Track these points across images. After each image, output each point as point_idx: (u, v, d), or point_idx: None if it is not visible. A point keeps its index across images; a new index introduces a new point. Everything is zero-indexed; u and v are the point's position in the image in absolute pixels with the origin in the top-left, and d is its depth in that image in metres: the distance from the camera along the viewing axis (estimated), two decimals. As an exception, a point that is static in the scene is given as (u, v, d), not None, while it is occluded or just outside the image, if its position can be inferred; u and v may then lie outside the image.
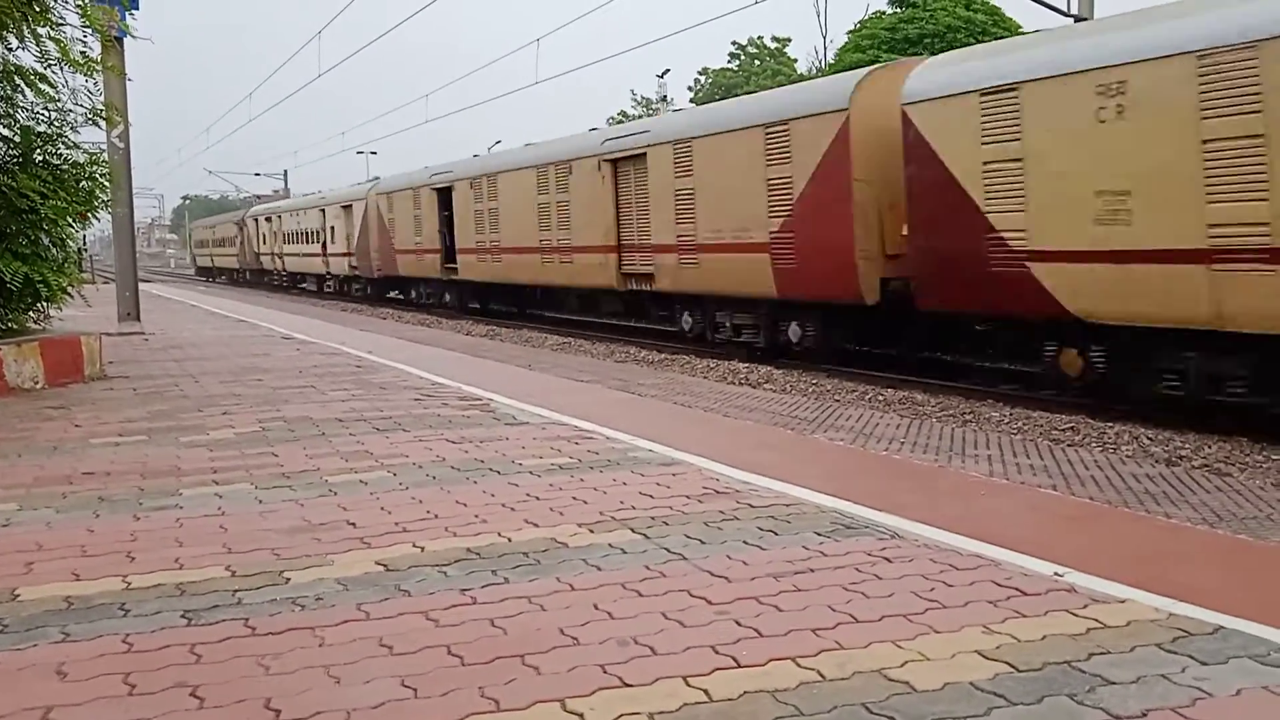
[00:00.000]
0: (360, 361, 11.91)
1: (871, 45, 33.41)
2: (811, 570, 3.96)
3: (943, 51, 16.94)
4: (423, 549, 4.34)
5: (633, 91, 70.30)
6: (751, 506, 4.94)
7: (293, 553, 4.32)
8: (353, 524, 4.75)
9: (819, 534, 4.45)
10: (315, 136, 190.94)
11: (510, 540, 4.44)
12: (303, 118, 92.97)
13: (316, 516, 4.90)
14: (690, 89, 57.14)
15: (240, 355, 12.85)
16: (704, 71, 57.17)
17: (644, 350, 18.02)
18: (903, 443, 8.47)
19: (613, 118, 58.41)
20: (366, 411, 8.05)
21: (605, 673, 3.03)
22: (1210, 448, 9.00)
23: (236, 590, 3.86)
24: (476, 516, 4.84)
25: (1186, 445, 9.09)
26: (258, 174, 70.54)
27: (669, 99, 47.20)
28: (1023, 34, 21.07)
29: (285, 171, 67.65)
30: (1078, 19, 15.98)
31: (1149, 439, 9.38)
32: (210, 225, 65.93)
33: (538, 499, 5.15)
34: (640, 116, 52.83)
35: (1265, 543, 5.15)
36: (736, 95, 34.52)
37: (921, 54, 25.21)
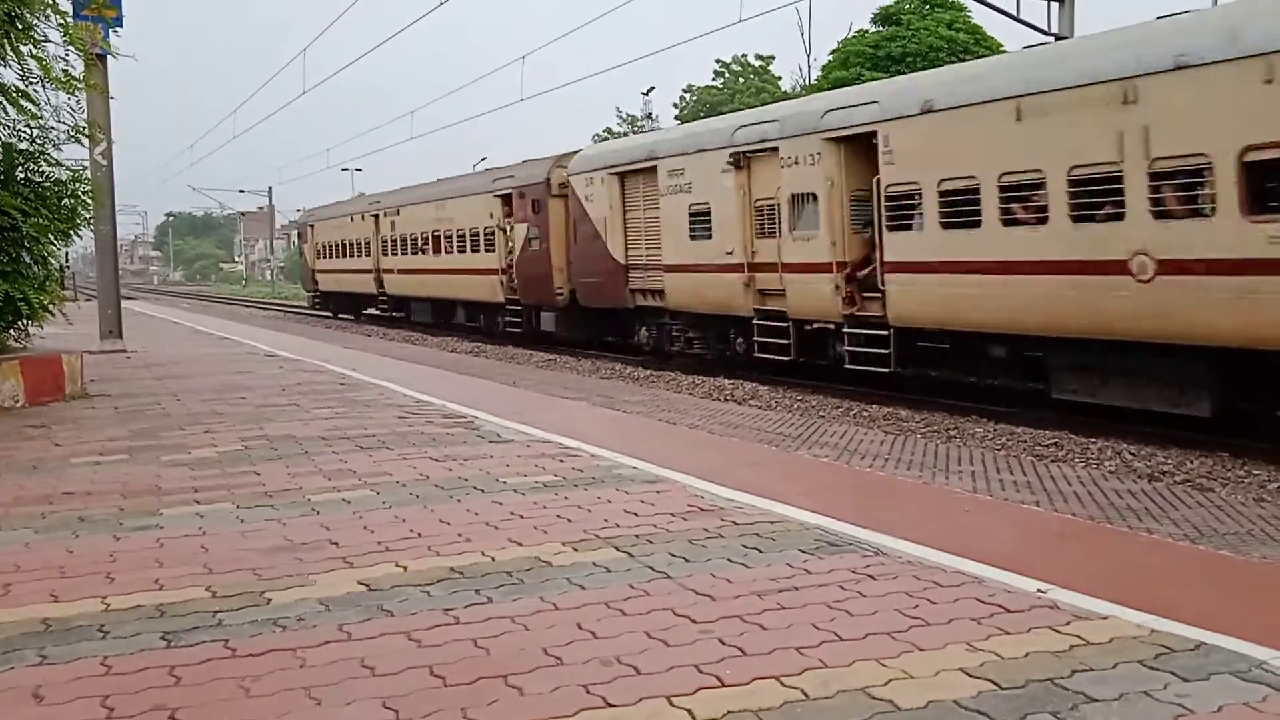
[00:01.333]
0: (344, 379, 11.87)
1: (856, 63, 33.64)
2: (795, 588, 3.96)
3: (925, 69, 16.71)
4: (405, 568, 4.31)
5: (618, 109, 70.57)
6: (736, 524, 4.93)
7: (274, 573, 4.29)
8: (335, 543, 4.73)
9: (803, 552, 4.45)
10: (299, 153, 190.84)
11: (494, 559, 4.42)
12: (287, 135, 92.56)
13: (299, 536, 4.87)
14: (676, 105, 57.40)
15: (223, 373, 12.79)
16: (689, 89, 57.49)
17: (629, 367, 18.03)
18: (887, 459, 8.50)
19: (598, 134, 58.60)
20: (350, 429, 8.01)
21: (589, 693, 3.02)
22: (1192, 463, 9.06)
23: (217, 611, 3.83)
24: (460, 535, 4.82)
25: (1169, 461, 9.14)
26: (242, 190, 69.80)
27: (654, 115, 47.47)
28: (1004, 52, 21.06)
29: (270, 188, 67.01)
30: (1058, 38, 16.15)
31: (1131, 454, 9.43)
32: (385, 210, 30.55)
33: (522, 517, 5.13)
34: (626, 134, 52.91)
35: (1246, 558, 5.18)
36: (721, 113, 34.52)
37: (905, 71, 25.37)
